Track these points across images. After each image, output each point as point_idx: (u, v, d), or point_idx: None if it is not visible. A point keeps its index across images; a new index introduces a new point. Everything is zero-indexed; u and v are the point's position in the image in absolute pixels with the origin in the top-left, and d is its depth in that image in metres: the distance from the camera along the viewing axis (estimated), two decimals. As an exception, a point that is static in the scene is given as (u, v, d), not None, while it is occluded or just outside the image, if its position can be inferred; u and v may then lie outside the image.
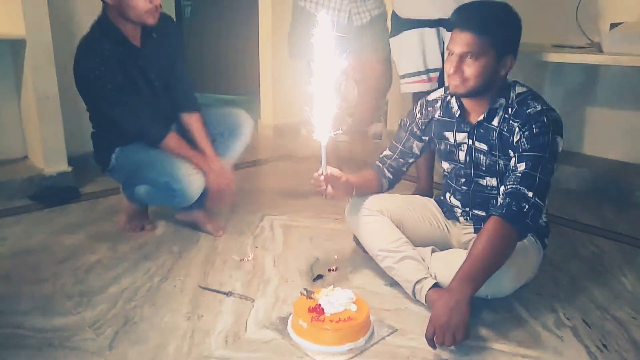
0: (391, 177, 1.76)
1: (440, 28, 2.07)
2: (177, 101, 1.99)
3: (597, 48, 2.46)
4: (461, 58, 1.43)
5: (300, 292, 1.44)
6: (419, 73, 2.16)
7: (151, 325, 1.42)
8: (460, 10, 1.47)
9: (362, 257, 1.80)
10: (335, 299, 1.38)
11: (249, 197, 2.47)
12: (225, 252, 1.88)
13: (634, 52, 2.24)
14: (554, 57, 2.50)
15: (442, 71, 2.13)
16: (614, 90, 2.69)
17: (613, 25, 2.41)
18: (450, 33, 1.46)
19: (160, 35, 1.88)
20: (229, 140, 2.04)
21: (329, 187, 1.55)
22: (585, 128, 2.83)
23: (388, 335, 1.38)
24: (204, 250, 1.89)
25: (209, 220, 2.03)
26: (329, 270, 1.75)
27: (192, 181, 1.82)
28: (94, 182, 2.53)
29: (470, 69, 1.43)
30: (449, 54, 1.48)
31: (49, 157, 2.48)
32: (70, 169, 2.52)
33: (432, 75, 2.16)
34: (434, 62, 2.13)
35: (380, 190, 1.76)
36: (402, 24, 2.14)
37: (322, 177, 1.53)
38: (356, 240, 1.86)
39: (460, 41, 1.42)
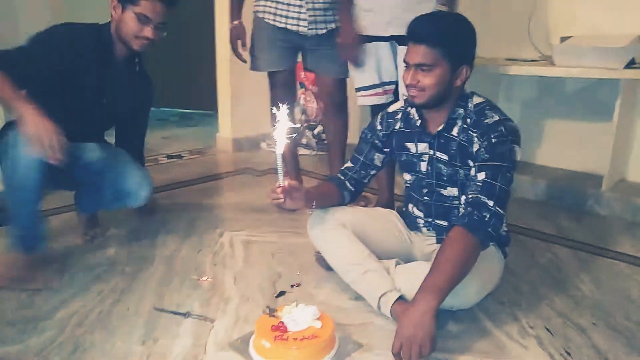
0: (353, 189, 1.74)
1: (394, 42, 2.09)
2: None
3: (549, 61, 2.54)
4: (417, 69, 1.46)
5: (263, 310, 1.39)
6: (374, 86, 2.17)
7: (102, 352, 1.33)
8: (413, 24, 1.49)
9: (326, 271, 1.76)
10: (299, 316, 1.33)
11: (207, 212, 2.40)
12: (182, 271, 1.80)
13: (584, 65, 2.32)
14: (509, 70, 2.56)
15: (397, 84, 2.15)
16: (565, 102, 2.78)
17: (563, 39, 2.49)
18: (403, 47, 1.47)
19: (136, 81, 1.96)
20: (115, 201, 1.95)
21: (288, 199, 1.52)
22: (539, 139, 2.91)
23: (354, 352, 1.34)
24: (160, 270, 1.80)
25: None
26: (292, 286, 1.70)
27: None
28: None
29: (426, 80, 1.45)
30: (405, 66, 1.49)
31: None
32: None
33: (387, 88, 2.17)
34: (389, 75, 2.15)
35: (341, 203, 1.73)
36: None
37: (280, 189, 1.50)
38: (317, 257, 1.83)
39: (415, 53, 1.45)
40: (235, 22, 2.39)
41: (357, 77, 2.20)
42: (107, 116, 1.97)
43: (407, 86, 1.51)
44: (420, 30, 1.46)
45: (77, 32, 1.79)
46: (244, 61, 2.46)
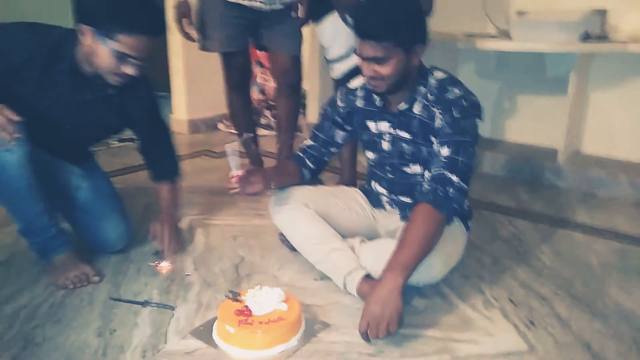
0: (313, 167, 1.70)
1: None
2: (151, 167, 1.80)
3: (506, 36, 2.55)
4: (372, 62, 1.40)
5: (225, 295, 1.34)
6: (348, 55, 2.09)
7: (56, 346, 1.25)
8: (356, 19, 1.41)
9: (290, 252, 1.72)
10: (263, 299, 1.29)
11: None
12: (138, 258, 1.72)
13: (540, 38, 2.34)
14: (467, 45, 2.56)
15: None
16: (522, 77, 2.81)
17: (519, 13, 2.50)
18: None
19: (113, 101, 1.59)
20: (88, 241, 1.74)
21: (246, 186, 1.51)
22: (498, 114, 2.94)
23: (320, 332, 1.32)
24: (114, 259, 1.71)
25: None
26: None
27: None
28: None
29: (384, 70, 1.40)
30: (360, 57, 1.43)
31: None
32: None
33: None
34: None
35: (301, 181, 1.69)
36: (322, 10, 2.08)
37: (235, 179, 1.50)
38: (282, 238, 1.78)
39: (366, 48, 1.39)
40: None
41: (332, 48, 2.12)
42: (79, 136, 1.67)
43: (367, 77, 1.45)
44: (366, 27, 1.38)
45: (30, 40, 1.43)
46: (193, 40, 2.32)
